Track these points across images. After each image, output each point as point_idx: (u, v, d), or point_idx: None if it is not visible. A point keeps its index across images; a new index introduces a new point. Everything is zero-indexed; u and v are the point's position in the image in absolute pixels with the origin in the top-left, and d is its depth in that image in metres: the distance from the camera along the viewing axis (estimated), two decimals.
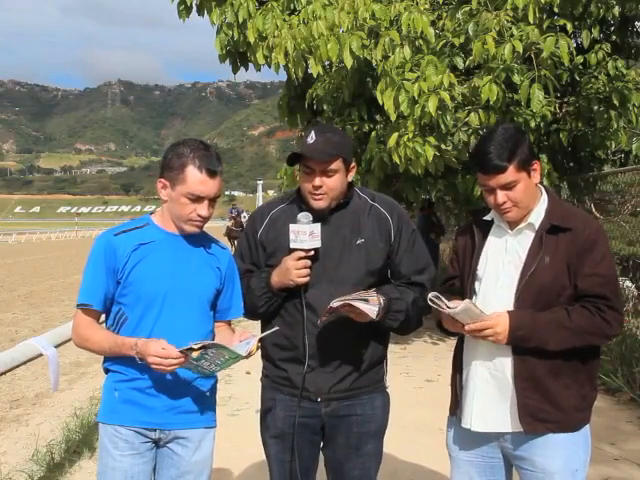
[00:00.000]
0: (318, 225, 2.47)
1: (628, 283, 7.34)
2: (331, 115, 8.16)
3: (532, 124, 6.56)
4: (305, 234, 2.44)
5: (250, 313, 2.62)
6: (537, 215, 2.35)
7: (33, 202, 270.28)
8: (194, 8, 8.17)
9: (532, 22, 6.27)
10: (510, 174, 2.26)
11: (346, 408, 2.57)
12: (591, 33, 6.93)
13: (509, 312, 2.26)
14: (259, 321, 2.73)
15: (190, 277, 2.42)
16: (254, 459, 4.19)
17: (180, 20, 8.32)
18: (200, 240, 2.50)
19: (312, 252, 2.47)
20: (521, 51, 6.20)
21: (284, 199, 2.71)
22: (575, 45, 7.09)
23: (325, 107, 8.07)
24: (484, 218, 2.46)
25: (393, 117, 6.46)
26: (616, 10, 6.84)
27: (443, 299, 2.24)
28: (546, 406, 2.29)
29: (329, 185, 2.49)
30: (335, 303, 2.33)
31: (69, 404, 6.19)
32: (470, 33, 6.39)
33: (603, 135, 7.20)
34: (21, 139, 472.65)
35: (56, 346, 3.91)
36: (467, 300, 2.26)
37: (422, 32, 6.44)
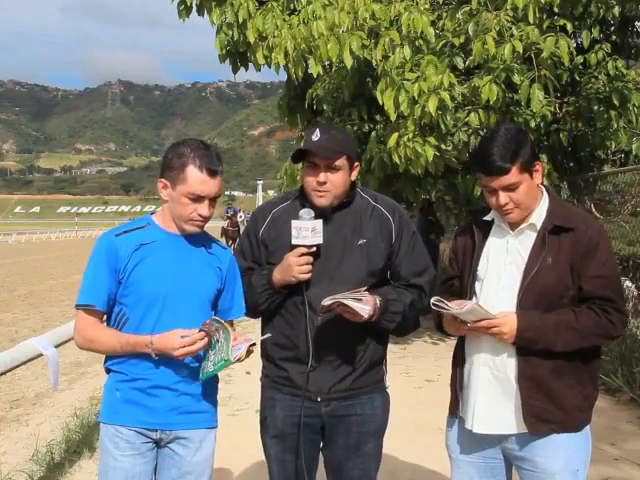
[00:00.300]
0: (320, 221, 2.47)
1: (628, 283, 7.33)
2: (331, 115, 8.16)
3: (532, 124, 6.57)
4: (307, 230, 2.44)
5: (251, 311, 2.61)
6: (538, 215, 2.35)
7: (33, 202, 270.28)
8: (194, 8, 8.18)
9: (532, 22, 6.27)
10: (513, 176, 2.25)
11: (346, 408, 2.57)
12: (591, 33, 6.94)
13: (517, 313, 2.26)
14: (259, 321, 2.73)
15: (191, 277, 2.42)
16: (254, 459, 4.19)
17: (180, 20, 8.32)
18: (201, 240, 2.50)
19: (314, 248, 2.46)
20: (521, 51, 6.20)
21: (286, 198, 2.71)
22: (575, 45, 7.09)
23: (325, 107, 8.07)
24: (484, 218, 2.46)
25: (393, 117, 6.46)
26: (616, 10, 6.84)
27: (445, 302, 2.24)
28: (550, 407, 2.29)
29: (333, 181, 2.49)
30: (326, 301, 2.33)
31: (69, 404, 6.19)
32: (470, 33, 6.39)
33: (603, 135, 7.21)
34: (21, 139, 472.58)
35: (56, 346, 3.91)
36: (473, 301, 2.26)
37: (422, 32, 6.44)
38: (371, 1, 6.61)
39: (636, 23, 7.80)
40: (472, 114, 6.59)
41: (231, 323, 2.61)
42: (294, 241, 2.47)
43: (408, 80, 6.30)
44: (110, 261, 2.37)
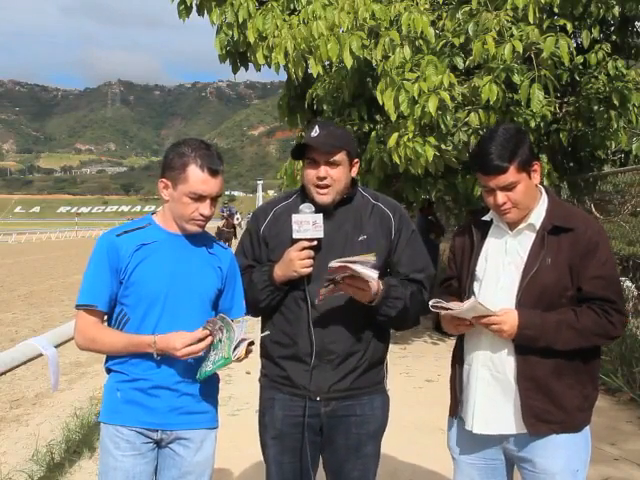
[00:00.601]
0: (320, 215, 2.48)
1: (628, 283, 7.33)
2: (331, 115, 8.16)
3: (532, 124, 6.56)
4: (308, 223, 2.45)
5: (252, 308, 2.60)
6: (537, 215, 2.35)
7: (33, 202, 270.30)
8: (194, 8, 8.17)
9: (532, 22, 6.27)
10: (511, 175, 2.26)
11: (345, 408, 2.56)
12: (591, 33, 6.93)
13: (518, 310, 2.26)
14: (259, 320, 2.73)
15: (191, 277, 2.42)
16: (254, 459, 4.19)
17: (180, 20, 8.32)
18: (201, 240, 2.50)
19: (315, 242, 2.47)
20: (521, 51, 6.20)
21: (287, 196, 2.72)
22: (575, 45, 7.09)
23: (325, 107, 8.07)
24: (483, 218, 2.46)
25: (393, 117, 6.46)
26: (616, 10, 6.84)
27: (443, 302, 2.24)
28: (550, 407, 2.29)
29: (333, 176, 2.50)
30: (334, 263, 2.30)
31: (69, 404, 6.19)
32: (470, 33, 6.39)
33: (603, 135, 7.20)
34: (21, 139, 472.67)
35: (56, 346, 3.91)
36: (474, 299, 2.25)
37: (422, 32, 6.44)
38: (371, 1, 6.60)
39: (636, 23, 7.80)
40: (472, 114, 6.59)
41: None
42: (295, 235, 2.47)
43: (408, 80, 6.30)
44: (111, 261, 2.37)
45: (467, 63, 6.57)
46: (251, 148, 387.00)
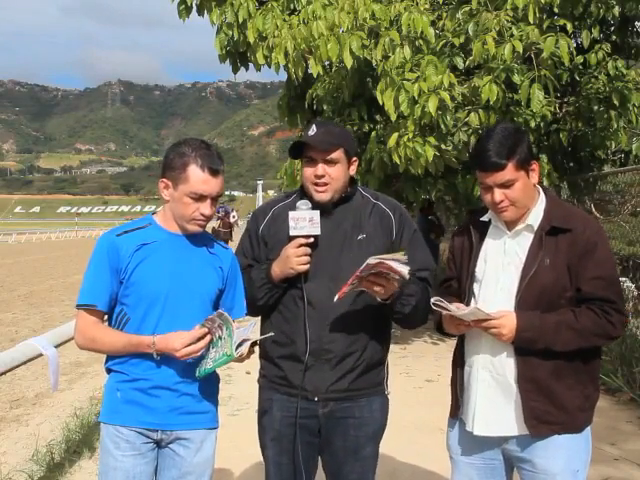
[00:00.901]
0: (317, 212, 2.48)
1: (628, 283, 7.33)
2: (331, 115, 8.16)
3: (532, 124, 6.57)
4: (305, 220, 2.45)
5: (250, 306, 2.59)
6: (536, 216, 2.34)
7: (33, 202, 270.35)
8: (194, 8, 8.18)
9: (532, 22, 6.27)
10: (508, 172, 2.26)
11: (344, 410, 2.55)
12: (591, 33, 6.93)
13: (517, 313, 2.25)
14: (259, 320, 2.72)
15: (192, 277, 2.42)
16: (254, 459, 4.19)
17: (180, 20, 8.33)
18: (202, 240, 2.50)
19: (312, 239, 2.47)
20: (521, 51, 6.20)
21: (287, 196, 2.72)
22: (575, 45, 7.09)
23: (325, 107, 8.07)
24: (481, 219, 2.45)
25: (393, 117, 6.46)
26: (616, 10, 6.84)
27: (445, 302, 2.24)
28: (550, 408, 2.28)
29: (331, 175, 2.50)
30: (372, 260, 2.27)
31: (69, 404, 6.19)
32: (470, 33, 6.39)
33: (603, 135, 7.20)
34: (21, 139, 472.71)
35: (56, 346, 3.91)
36: (473, 306, 2.26)
37: (422, 32, 6.44)
38: (371, 1, 6.60)
39: (636, 23, 7.80)
40: (472, 114, 6.58)
41: None
42: (292, 232, 2.47)
43: (408, 80, 6.30)
44: (111, 261, 2.37)
45: (467, 63, 6.57)
46: (251, 148, 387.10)
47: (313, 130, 2.52)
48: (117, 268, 2.37)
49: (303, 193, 2.61)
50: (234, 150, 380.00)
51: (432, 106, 6.10)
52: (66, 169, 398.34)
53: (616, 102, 6.71)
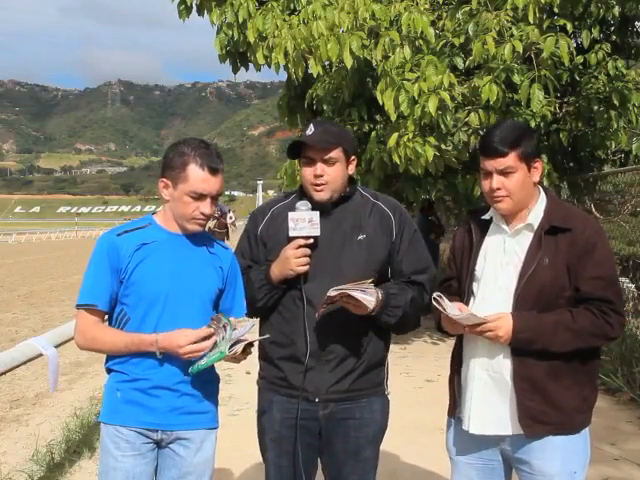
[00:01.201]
0: (317, 213, 2.47)
1: (628, 283, 7.33)
2: (331, 115, 8.16)
3: (532, 124, 6.56)
4: (304, 221, 2.44)
5: (250, 307, 2.58)
6: (536, 215, 2.34)
7: (33, 202, 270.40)
8: (194, 8, 8.19)
9: (532, 22, 6.27)
10: (510, 159, 2.27)
11: (344, 411, 2.53)
12: (591, 33, 6.94)
13: (513, 314, 2.25)
14: (257, 321, 2.72)
15: (192, 277, 2.42)
16: (254, 459, 4.18)
17: (180, 20, 8.33)
18: (202, 240, 2.50)
19: (311, 240, 2.46)
20: (521, 51, 6.20)
21: (286, 196, 2.71)
22: (575, 45, 7.09)
23: (325, 107, 8.07)
24: (482, 217, 2.46)
25: (393, 117, 6.46)
26: (616, 10, 6.85)
27: (445, 300, 2.24)
28: (546, 408, 2.27)
29: (330, 174, 2.49)
30: (332, 292, 2.31)
31: (69, 404, 6.19)
32: (470, 33, 6.39)
33: (603, 135, 7.21)
34: (21, 139, 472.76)
35: (56, 346, 3.91)
36: (469, 311, 2.25)
37: (422, 32, 6.44)
38: (371, 1, 6.61)
39: (636, 23, 7.80)
40: (472, 114, 6.59)
41: None
42: (291, 233, 2.46)
43: (408, 80, 6.30)
44: (111, 261, 2.37)
45: (467, 63, 6.58)
46: (251, 148, 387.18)
47: (311, 130, 2.51)
48: (117, 268, 2.37)
49: (302, 193, 2.60)
50: (234, 150, 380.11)
51: (432, 106, 6.10)
52: (66, 169, 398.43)
53: (616, 102, 6.71)
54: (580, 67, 7.06)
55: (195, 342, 2.29)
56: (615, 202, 8.06)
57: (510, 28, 6.27)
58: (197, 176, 2.34)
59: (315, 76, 7.00)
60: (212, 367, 2.44)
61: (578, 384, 2.31)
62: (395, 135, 6.55)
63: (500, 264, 2.36)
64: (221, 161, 2.42)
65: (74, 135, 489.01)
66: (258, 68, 7.81)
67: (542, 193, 2.40)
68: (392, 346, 2.70)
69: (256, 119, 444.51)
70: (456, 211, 10.42)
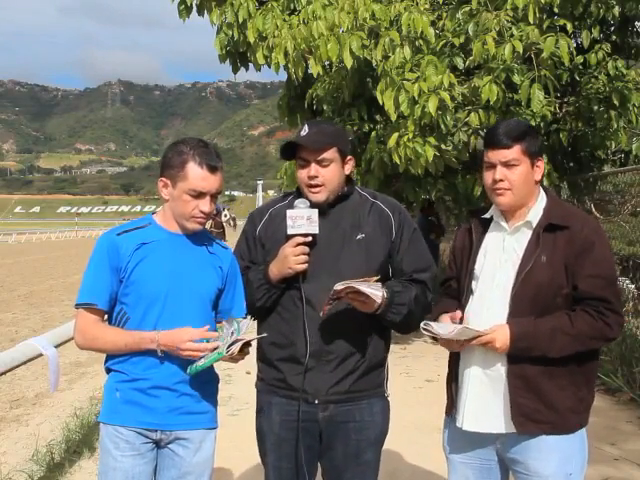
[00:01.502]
0: (316, 211, 2.45)
1: (628, 283, 7.33)
2: (331, 115, 8.16)
3: (532, 124, 6.56)
4: (303, 218, 2.42)
5: (249, 307, 2.57)
6: (535, 213, 2.35)
7: (33, 202, 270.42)
8: (194, 8, 8.18)
9: (532, 22, 6.26)
10: (514, 152, 2.30)
11: (344, 414, 2.51)
12: (591, 33, 6.94)
13: (509, 322, 2.25)
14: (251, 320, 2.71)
15: (192, 276, 2.42)
16: (254, 459, 4.15)
17: (180, 20, 8.33)
18: (202, 240, 2.50)
19: (310, 238, 2.44)
20: (521, 51, 6.20)
21: (284, 197, 2.70)
22: (575, 45, 7.09)
23: (325, 107, 8.07)
24: (483, 216, 2.46)
25: (393, 117, 6.46)
26: (616, 10, 6.84)
27: (433, 325, 2.25)
28: (540, 406, 2.27)
29: (325, 175, 2.47)
30: (339, 286, 2.29)
31: (69, 404, 6.19)
32: (470, 33, 6.39)
33: (603, 135, 7.20)
34: (21, 139, 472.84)
35: (56, 346, 3.91)
36: (462, 326, 2.25)
37: (422, 32, 6.44)
38: (371, 1, 6.60)
39: (636, 23, 7.80)
40: (472, 114, 6.58)
41: None
42: (289, 231, 2.44)
43: (408, 80, 6.30)
44: (111, 260, 2.37)
45: (467, 63, 6.57)
46: (251, 148, 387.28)
47: (305, 130, 2.49)
48: (117, 267, 2.37)
49: (300, 194, 2.58)
50: (234, 150, 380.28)
51: (432, 106, 6.10)
52: (66, 169, 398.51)
53: (616, 102, 6.71)
54: (580, 67, 7.05)
55: (197, 337, 2.29)
56: (615, 202, 8.06)
57: (510, 28, 6.27)
58: (196, 174, 2.35)
59: (315, 76, 7.00)
60: (211, 367, 2.43)
61: (574, 384, 2.30)
62: (395, 135, 6.55)
63: (499, 262, 2.36)
64: (220, 159, 2.42)
65: (74, 135, 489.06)
66: (258, 68, 7.81)
67: (542, 192, 2.41)
68: (392, 346, 2.70)
69: (256, 119, 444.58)
70: (456, 211, 10.41)
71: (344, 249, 2.50)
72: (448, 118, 6.34)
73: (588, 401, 2.37)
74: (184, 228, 2.44)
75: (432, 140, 6.45)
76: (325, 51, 6.47)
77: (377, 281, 2.38)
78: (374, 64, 6.73)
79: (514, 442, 2.32)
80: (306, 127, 2.50)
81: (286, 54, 6.80)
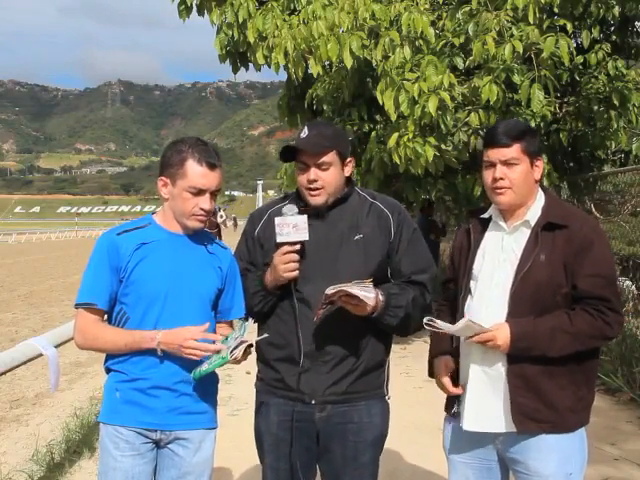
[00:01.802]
0: (304, 217, 2.43)
1: (628, 283, 7.33)
2: (331, 115, 8.16)
3: (532, 124, 6.55)
4: (289, 226, 2.40)
5: (247, 311, 2.58)
6: (534, 213, 2.35)
7: (33, 202, 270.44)
8: (194, 8, 8.18)
9: (532, 22, 6.27)
10: (514, 151, 2.31)
11: (341, 415, 2.50)
12: (591, 33, 6.93)
13: (509, 322, 2.25)
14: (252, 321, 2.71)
15: (191, 276, 2.42)
16: (254, 459, 4.14)
17: (180, 20, 8.34)
18: (201, 240, 2.50)
19: (298, 246, 2.42)
20: (521, 51, 6.20)
21: (284, 198, 2.69)
22: (575, 45, 7.09)
23: (325, 107, 8.07)
24: (482, 216, 2.47)
25: (393, 117, 6.46)
26: (616, 10, 6.84)
27: (437, 321, 2.24)
28: (539, 405, 2.27)
29: (325, 179, 2.46)
30: (330, 290, 2.29)
31: (69, 404, 6.19)
32: (470, 33, 6.39)
33: (603, 135, 7.20)
34: (21, 139, 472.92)
35: (56, 346, 3.91)
36: (466, 318, 2.25)
37: (422, 32, 6.44)
38: (371, 1, 6.60)
39: (636, 23, 7.80)
40: (472, 114, 6.58)
41: (231, 323, 2.61)
42: (278, 239, 2.43)
43: (408, 80, 6.30)
44: (111, 260, 2.37)
45: (467, 63, 6.57)
46: (251, 148, 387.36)
47: (305, 133, 2.47)
48: (117, 267, 2.37)
49: (299, 196, 2.58)
50: (234, 150, 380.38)
51: (432, 106, 6.10)
52: (66, 169, 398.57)
53: (616, 102, 6.71)
54: (580, 67, 7.05)
55: (199, 334, 2.30)
56: (615, 202, 8.06)
57: (510, 28, 6.27)
58: (196, 171, 2.35)
59: (315, 76, 7.00)
60: None
61: (574, 384, 2.30)
62: (395, 135, 6.55)
63: (497, 261, 2.36)
64: (219, 158, 2.43)
65: (74, 135, 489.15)
66: (258, 68, 7.81)
67: (541, 192, 2.41)
68: (392, 346, 2.69)
69: (256, 119, 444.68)
70: (456, 211, 10.42)
71: (342, 250, 2.49)
72: (448, 118, 6.34)
73: (588, 400, 2.36)
74: (185, 227, 2.44)
75: (432, 140, 6.45)
76: (325, 51, 6.47)
77: (372, 282, 2.36)
78: (374, 64, 6.73)
79: (514, 441, 2.33)
80: (305, 130, 2.49)
81: (286, 54, 6.80)
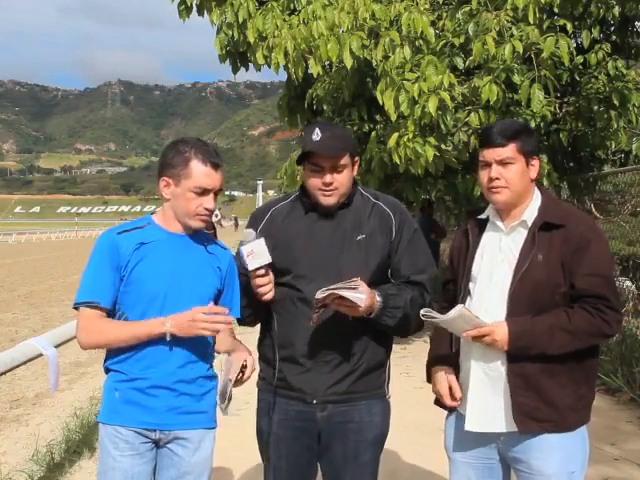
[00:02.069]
0: (259, 241, 2.41)
1: (628, 283, 7.33)
2: (331, 115, 8.16)
3: (532, 124, 6.56)
4: (244, 256, 2.40)
5: (243, 320, 2.61)
6: (530, 213, 2.36)
7: (33, 202, 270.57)
8: (194, 8, 8.19)
9: (532, 22, 6.27)
10: (509, 150, 2.32)
11: (342, 414, 2.51)
12: (591, 33, 6.94)
13: (508, 320, 2.25)
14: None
15: (191, 276, 2.42)
16: (254, 459, 4.16)
17: (180, 20, 8.34)
18: (201, 240, 2.50)
19: (262, 271, 2.42)
20: (521, 51, 6.20)
21: (286, 197, 2.69)
22: (575, 45, 7.09)
23: (325, 107, 8.08)
24: (479, 217, 2.47)
25: (393, 117, 6.46)
26: (616, 10, 6.84)
27: (433, 312, 2.24)
28: (540, 405, 2.27)
29: (340, 181, 2.47)
30: (320, 294, 2.29)
31: (69, 404, 6.19)
32: (470, 33, 6.39)
33: (603, 135, 7.20)
34: (21, 139, 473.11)
35: (56, 346, 3.91)
36: (460, 305, 2.25)
37: (422, 32, 6.44)
38: (371, 1, 6.61)
39: (636, 23, 7.80)
40: (472, 114, 6.58)
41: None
42: (248, 267, 2.43)
43: (408, 80, 6.30)
44: (112, 259, 2.37)
45: (467, 63, 6.57)
46: (251, 148, 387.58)
47: (317, 134, 2.44)
48: (118, 266, 2.37)
49: (302, 194, 2.59)
50: (234, 150, 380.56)
51: (432, 106, 6.10)
52: (66, 169, 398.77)
53: (616, 102, 6.71)
54: (580, 67, 7.05)
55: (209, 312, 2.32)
56: (615, 202, 8.06)
57: (510, 28, 6.27)
58: (200, 171, 2.36)
59: (315, 76, 7.00)
60: (210, 366, 2.46)
61: (574, 382, 2.30)
62: (395, 135, 6.55)
63: (496, 262, 2.37)
64: (220, 157, 2.44)
65: (74, 135, 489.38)
66: (258, 68, 7.81)
67: (537, 191, 2.42)
68: (392, 346, 2.70)
69: (256, 119, 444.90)
70: (456, 211, 10.42)
71: (344, 250, 2.50)
72: (448, 118, 6.35)
73: (588, 398, 2.37)
74: (187, 227, 2.44)
75: (432, 140, 6.45)
76: (325, 51, 6.47)
77: (359, 280, 2.34)
78: (374, 64, 6.73)
79: (516, 441, 2.33)
80: (317, 131, 2.46)
81: (286, 54, 6.80)
